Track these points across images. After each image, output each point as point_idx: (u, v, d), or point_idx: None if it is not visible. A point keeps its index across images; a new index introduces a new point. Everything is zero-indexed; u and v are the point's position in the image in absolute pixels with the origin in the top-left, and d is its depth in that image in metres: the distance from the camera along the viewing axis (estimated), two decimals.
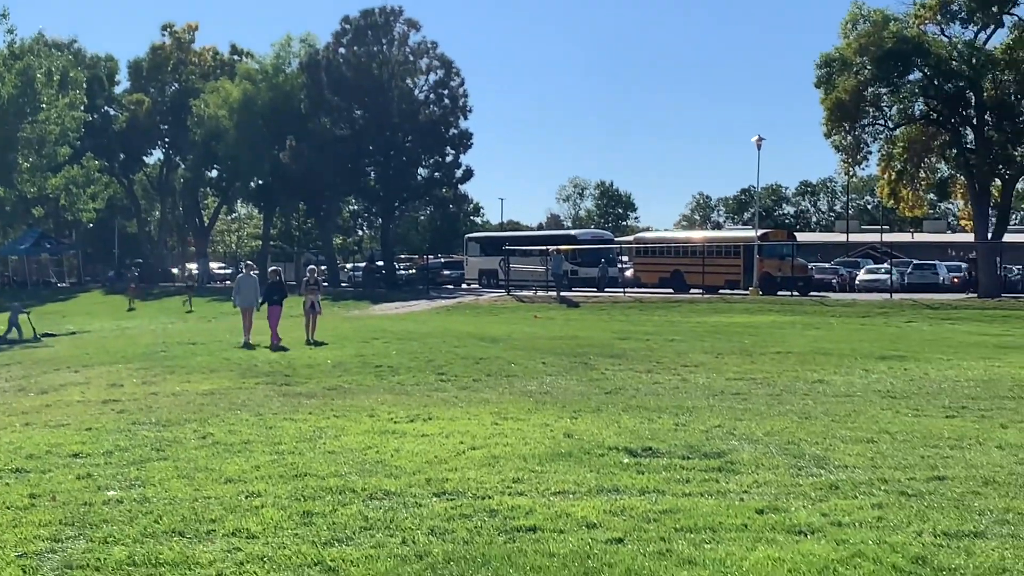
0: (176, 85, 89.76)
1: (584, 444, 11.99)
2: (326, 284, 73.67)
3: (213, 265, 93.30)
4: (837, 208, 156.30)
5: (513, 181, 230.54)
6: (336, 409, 15.23)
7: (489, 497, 9.48)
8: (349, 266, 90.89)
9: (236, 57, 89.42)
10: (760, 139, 55.90)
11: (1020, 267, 59.67)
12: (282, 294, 28.65)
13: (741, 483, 10.04)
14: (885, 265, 63.68)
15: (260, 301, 28.75)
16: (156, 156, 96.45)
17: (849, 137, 52.20)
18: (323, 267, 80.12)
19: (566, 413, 14.62)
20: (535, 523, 8.54)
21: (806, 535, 8.21)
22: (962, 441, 12.28)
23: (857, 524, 8.52)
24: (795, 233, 76.90)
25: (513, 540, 8.10)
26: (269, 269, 34.70)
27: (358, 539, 8.20)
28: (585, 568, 7.35)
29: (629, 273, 62.65)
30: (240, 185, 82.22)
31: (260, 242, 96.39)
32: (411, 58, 72.44)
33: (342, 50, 71.69)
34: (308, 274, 31.00)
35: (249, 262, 34.47)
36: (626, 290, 56.80)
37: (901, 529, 8.39)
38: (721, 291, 54.31)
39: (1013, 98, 49.55)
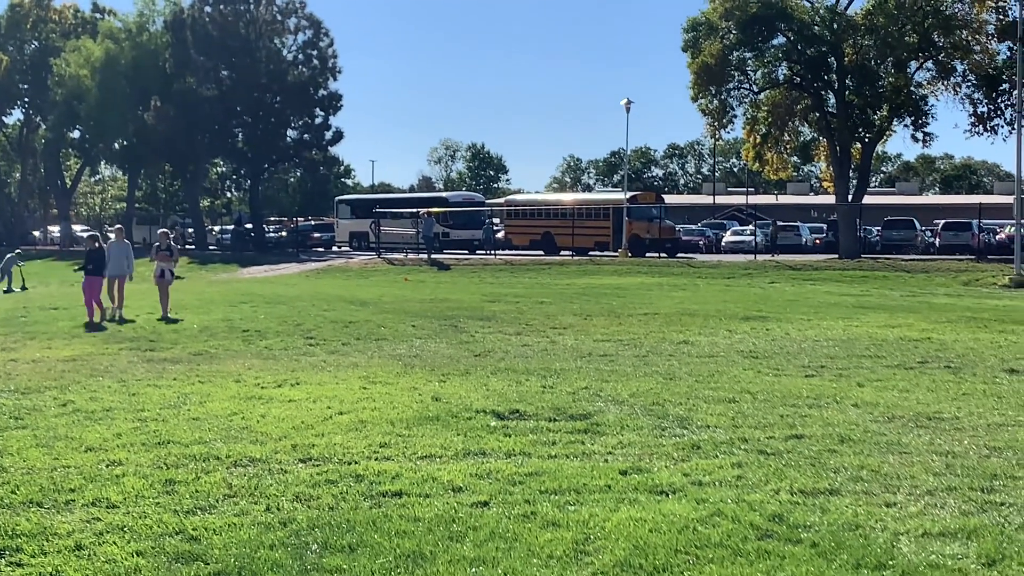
0: (36, 43, 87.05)
1: (452, 408, 12.02)
2: (192, 247, 72.68)
3: (76, 228, 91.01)
4: (704, 171, 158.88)
5: (384, 143, 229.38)
6: (202, 375, 15.02)
7: (355, 462, 9.45)
8: (217, 229, 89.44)
9: (98, 15, 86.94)
10: (629, 102, 56.44)
11: (878, 228, 61.34)
12: (100, 263, 24.43)
13: (606, 444, 10.17)
14: (750, 227, 64.91)
15: (84, 269, 24.77)
16: (16, 116, 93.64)
17: (715, 101, 53.01)
18: (190, 230, 78.90)
19: (435, 376, 14.64)
20: (401, 488, 8.55)
21: (668, 495, 8.36)
22: (820, 400, 12.61)
23: (717, 483, 8.71)
24: (663, 196, 77.89)
25: (379, 505, 8.10)
26: (86, 234, 33.47)
27: (221, 507, 8.11)
28: (450, 532, 7.39)
29: (500, 235, 62.87)
30: (103, 146, 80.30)
31: (125, 205, 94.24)
32: (279, 17, 71.39)
33: (208, 8, 70.31)
34: (159, 238, 26.92)
35: (119, 225, 32.27)
36: (496, 252, 57.00)
37: (759, 487, 8.59)
38: (591, 253, 54.90)
39: (873, 63, 50.80)
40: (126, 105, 71.16)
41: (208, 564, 6.82)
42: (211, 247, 75.34)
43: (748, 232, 62.99)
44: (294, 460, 9.57)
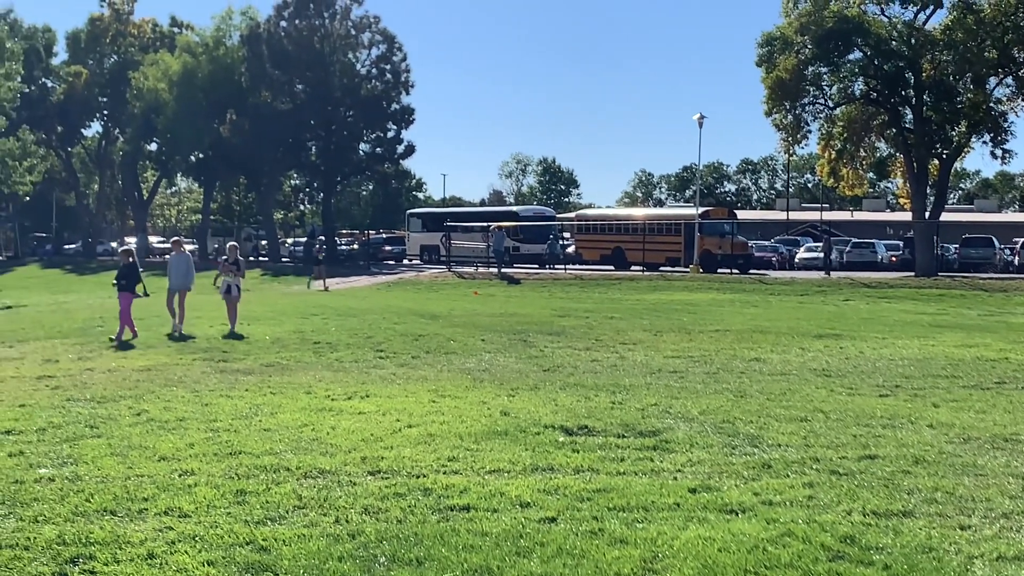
0: (115, 57, 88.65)
1: (520, 422, 12.01)
2: (266, 259, 73.46)
3: (152, 239, 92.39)
4: (778, 186, 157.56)
5: (456, 157, 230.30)
6: (273, 386, 15.15)
7: (424, 476, 9.48)
8: (290, 241, 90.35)
9: (176, 29, 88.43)
10: (702, 117, 56.19)
11: (956, 246, 60.43)
12: (134, 278, 23.87)
13: (675, 462, 10.10)
14: (820, 244, 64.27)
15: (117, 284, 24.02)
16: (95, 129, 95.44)
17: (790, 116, 52.55)
18: (263, 241, 79.78)
19: (503, 391, 14.64)
20: (469, 502, 8.56)
21: (737, 514, 8.29)
22: (894, 420, 12.44)
23: (788, 503, 8.61)
24: (736, 211, 77.32)
25: (446, 519, 8.11)
26: (120, 249, 32.88)
27: (291, 518, 8.17)
28: (517, 547, 7.38)
29: (571, 250, 62.80)
30: (180, 159, 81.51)
31: (200, 216, 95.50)
32: (353, 32, 72.04)
33: (283, 23, 71.16)
34: (228, 252, 25.96)
35: (178, 238, 32.13)
36: (567, 267, 56.95)
37: (831, 508, 8.48)
38: (662, 268, 54.65)
39: (951, 78, 50.10)
40: (202, 118, 72.19)
41: (277, 575, 6.87)
42: (284, 259, 76.11)
43: (821, 249, 62.36)
44: (363, 472, 9.61)
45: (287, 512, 8.33)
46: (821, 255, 58.40)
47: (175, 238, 32.39)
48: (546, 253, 59.02)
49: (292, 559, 7.14)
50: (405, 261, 70.95)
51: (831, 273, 50.36)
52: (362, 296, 40.39)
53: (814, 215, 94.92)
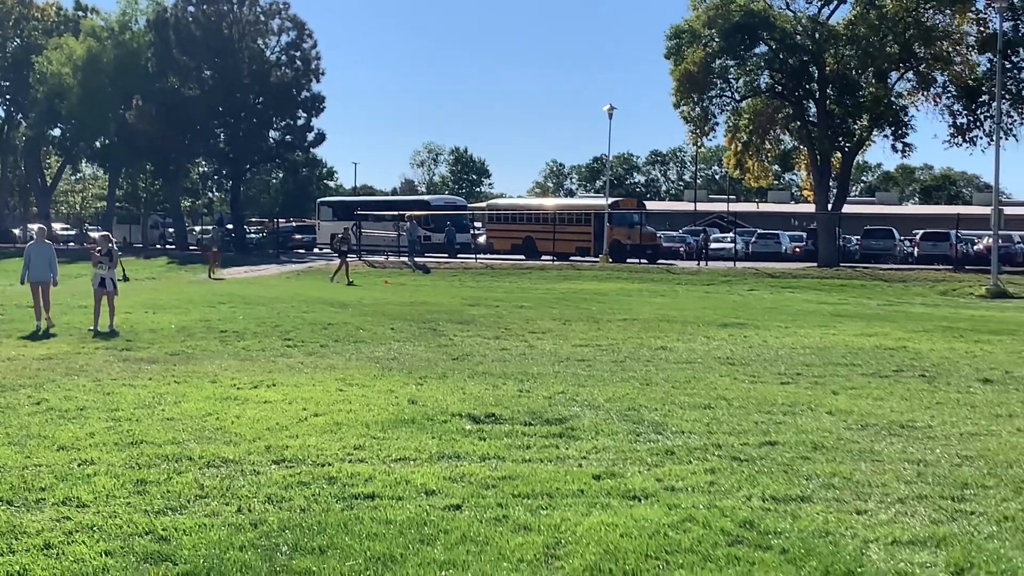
0: (18, 41, 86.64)
1: (428, 411, 12.02)
2: (172, 246, 72.44)
3: (56, 226, 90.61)
4: (686, 178, 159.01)
5: (367, 146, 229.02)
6: (177, 375, 14.98)
7: (329, 464, 9.45)
8: (198, 229, 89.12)
9: (80, 13, 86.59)
10: (612, 108, 56.59)
11: (857, 237, 61.54)
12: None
13: (580, 449, 10.19)
14: (730, 235, 65.07)
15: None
16: None
17: (697, 108, 53.10)
18: (171, 229, 78.70)
19: (412, 379, 14.63)
20: (374, 490, 8.55)
21: (640, 500, 8.39)
22: (795, 407, 12.65)
23: (690, 489, 8.73)
24: (645, 202, 77.96)
25: (350, 507, 8.09)
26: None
27: (192, 508, 8.10)
28: (421, 535, 7.39)
29: (482, 239, 62.86)
30: (84, 144, 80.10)
31: (105, 203, 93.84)
32: (262, 18, 71.19)
33: (191, 8, 70.08)
34: (99, 242, 23.06)
35: (41, 226, 28.14)
36: (478, 256, 56.99)
37: (731, 494, 8.62)
38: (572, 258, 54.94)
39: (854, 72, 50.97)
40: (108, 104, 70.96)
41: (177, 565, 6.81)
42: (191, 247, 75.14)
43: (729, 239, 63.14)
44: (267, 461, 9.56)
45: (188, 502, 8.26)
46: (730, 245, 59.15)
47: (39, 225, 30.40)
48: (445, 241, 59.09)
49: (192, 549, 7.08)
50: (315, 250, 70.44)
51: (737, 263, 50.99)
52: (271, 285, 40.04)
53: (721, 206, 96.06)
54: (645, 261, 53.02)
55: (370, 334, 20.84)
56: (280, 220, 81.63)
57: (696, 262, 54.08)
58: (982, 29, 50.59)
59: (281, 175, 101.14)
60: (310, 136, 73.27)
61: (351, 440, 10.43)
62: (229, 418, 11.58)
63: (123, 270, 37.19)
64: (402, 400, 12.79)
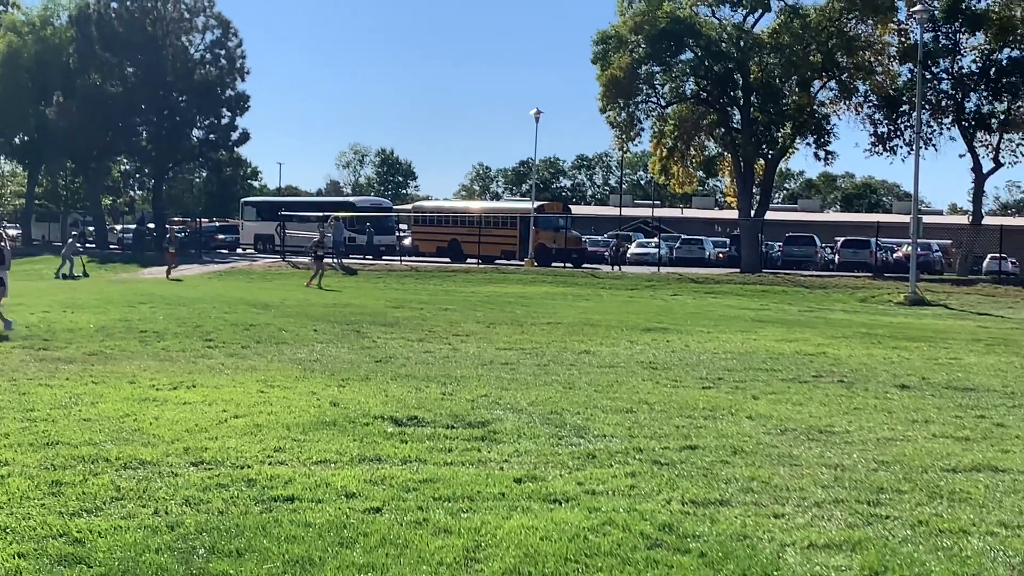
0: None
1: (349, 413, 11.95)
2: (92, 245, 71.41)
3: None
4: (612, 183, 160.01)
5: (293, 146, 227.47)
6: (95, 375, 14.74)
7: (248, 466, 9.35)
8: (119, 228, 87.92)
9: (1, 7, 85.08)
10: (538, 112, 56.66)
11: (780, 244, 62.30)
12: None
13: (502, 452, 10.18)
14: (655, 239, 65.57)
15: None
16: None
17: (623, 113, 53.51)
18: (91, 228, 77.55)
19: (334, 381, 14.54)
20: (293, 493, 8.48)
21: (560, 504, 8.40)
22: (715, 411, 12.75)
23: (610, 492, 8.76)
24: (570, 206, 78.36)
25: (269, 510, 8.02)
26: None
27: (108, 509, 7.97)
28: (340, 538, 7.34)
29: (408, 241, 62.72)
30: (3, 141, 78.56)
31: (24, 201, 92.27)
32: (187, 16, 70.60)
33: (114, 4, 69.36)
34: None
35: None
36: (403, 259, 56.86)
37: (651, 497, 8.66)
38: (497, 261, 55.01)
39: (777, 81, 51.68)
40: (28, 99, 69.90)
41: (91, 567, 6.70)
42: (112, 246, 74.14)
43: (654, 244, 63.60)
44: (185, 463, 9.44)
45: (104, 503, 8.12)
46: (654, 250, 59.59)
47: None
48: (366, 243, 58.77)
49: (107, 551, 6.97)
50: (238, 250, 69.82)
51: (661, 268, 51.36)
52: (193, 285, 39.62)
53: (646, 211, 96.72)
54: (570, 265, 53.23)
55: (293, 335, 20.69)
56: (203, 220, 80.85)
57: (611, 267, 54.29)
58: (903, 40, 51.69)
59: (204, 174, 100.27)
60: (234, 135, 72.77)
61: (271, 442, 10.34)
62: (147, 419, 11.42)
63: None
64: (324, 402, 12.70)
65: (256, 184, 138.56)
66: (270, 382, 14.35)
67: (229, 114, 71.78)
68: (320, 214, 61.20)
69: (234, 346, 18.77)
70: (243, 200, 78.58)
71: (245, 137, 73.04)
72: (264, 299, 30.94)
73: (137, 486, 8.61)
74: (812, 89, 52.14)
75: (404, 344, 19.72)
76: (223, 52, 71.01)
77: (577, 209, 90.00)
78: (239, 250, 69.80)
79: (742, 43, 51.22)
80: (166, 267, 45.83)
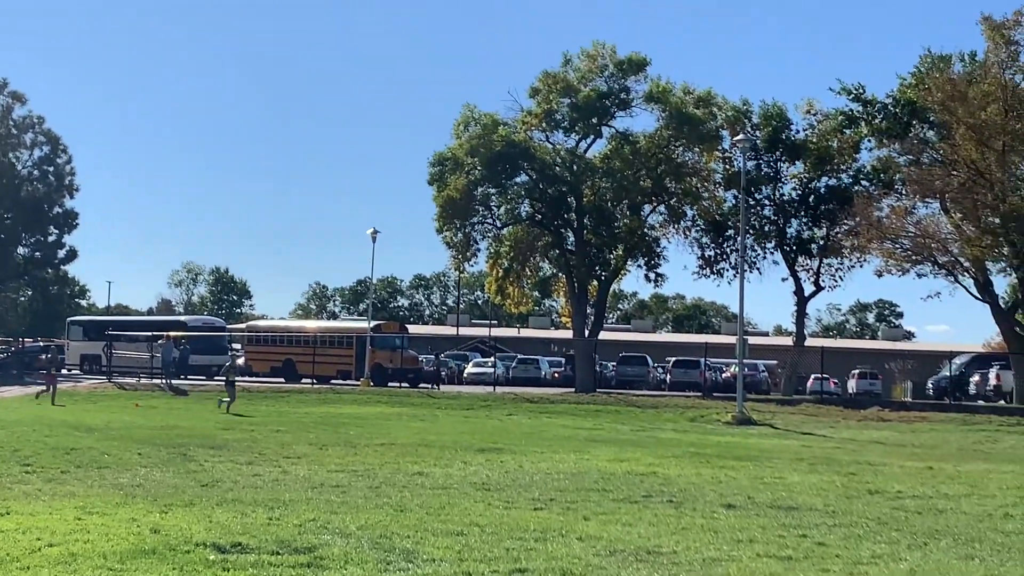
0: None
1: (171, 540, 11.57)
2: None
3: None
4: (449, 302, 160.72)
5: (123, 264, 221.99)
6: None
7: None
8: None
9: None
10: (375, 232, 56.87)
11: (614, 364, 63.24)
12: None
13: None
14: (491, 359, 65.87)
15: None
16: None
17: (460, 234, 54.05)
18: None
19: (156, 507, 14.09)
20: None
21: None
22: (546, 533, 12.74)
23: None
24: (407, 325, 78.33)
25: None
26: None
27: None
28: None
29: (241, 361, 61.70)
30: None
31: None
32: (15, 132, 69.12)
33: None
34: None
35: None
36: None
37: None
38: (333, 381, 54.45)
39: (609, 204, 53.03)
40: None
41: None
42: None
43: (490, 364, 63.87)
44: None
45: None
46: (491, 370, 59.83)
47: None
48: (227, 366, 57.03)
49: None
50: (63, 371, 67.58)
51: (497, 388, 51.53)
52: (12, 407, 38.16)
53: (483, 331, 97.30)
54: (407, 385, 53.01)
55: (115, 459, 20.04)
56: (27, 339, 78.23)
57: (431, 385, 54.30)
58: (728, 167, 53.82)
59: (30, 292, 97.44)
60: (61, 253, 71.18)
61: (86, 572, 9.93)
62: None
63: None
64: (144, 529, 12.27)
65: (84, 303, 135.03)
66: (89, 508, 13.83)
67: (56, 231, 70.21)
68: (150, 334, 59.86)
69: (53, 471, 18.08)
70: (69, 319, 76.41)
71: (73, 255, 71.53)
72: (88, 422, 29.99)
73: None
74: (643, 213, 53.66)
75: (232, 467, 19.28)
76: (51, 168, 69.68)
77: (414, 329, 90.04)
78: (64, 371, 67.57)
79: (575, 167, 52.51)
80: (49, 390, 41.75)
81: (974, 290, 50.13)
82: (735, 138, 48.36)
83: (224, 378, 39.72)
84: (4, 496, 14.94)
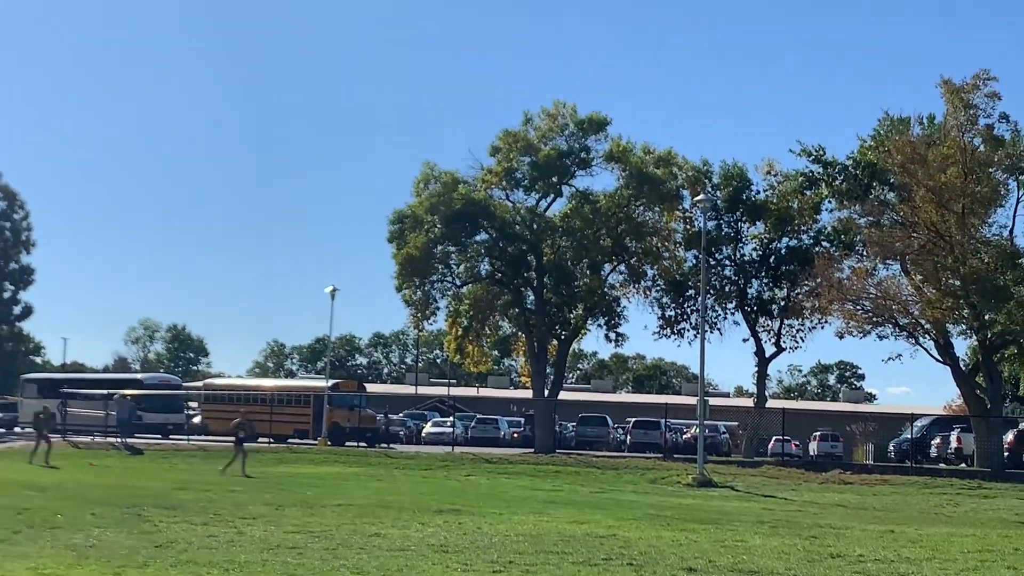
0: None
1: None
2: None
3: None
4: (408, 361, 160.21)
5: (79, 321, 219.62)
6: None
7: None
8: None
9: None
10: (334, 289, 56.76)
11: (573, 424, 63.07)
12: None
13: None
14: (450, 419, 65.61)
15: None
16: None
17: (419, 292, 53.96)
18: None
19: (110, 569, 13.83)
20: None
21: None
22: None
23: None
24: (366, 384, 77.96)
25: None
26: None
27: None
28: None
29: (197, 420, 61.15)
30: None
31: None
32: None
33: None
34: None
35: None
36: (191, 438, 55.29)
37: None
38: (290, 440, 54.04)
39: (569, 263, 53.09)
40: None
41: None
42: None
43: (449, 424, 63.60)
44: None
45: None
46: (449, 429, 59.57)
47: None
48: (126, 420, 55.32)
49: None
50: (16, 429, 66.66)
51: (455, 448, 51.27)
52: None
53: (442, 390, 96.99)
54: (365, 444, 52.64)
55: (69, 519, 19.69)
56: None
57: (386, 444, 54.06)
58: (688, 227, 54.09)
59: None
60: (17, 310, 70.48)
61: None
62: None
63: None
64: None
65: (39, 360, 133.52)
66: (40, 570, 13.58)
67: (12, 288, 69.63)
68: (105, 391, 59.24)
69: (4, 531, 17.73)
70: (23, 377, 75.55)
71: (28, 311, 70.99)
72: (40, 481, 29.53)
73: None
74: (603, 272, 53.78)
75: (187, 528, 18.99)
76: (8, 224, 69.24)
77: (373, 387, 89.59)
78: (17, 429, 66.65)
79: (535, 226, 52.66)
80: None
81: (935, 352, 50.37)
82: (696, 198, 48.60)
83: (235, 436, 36.78)
84: None
